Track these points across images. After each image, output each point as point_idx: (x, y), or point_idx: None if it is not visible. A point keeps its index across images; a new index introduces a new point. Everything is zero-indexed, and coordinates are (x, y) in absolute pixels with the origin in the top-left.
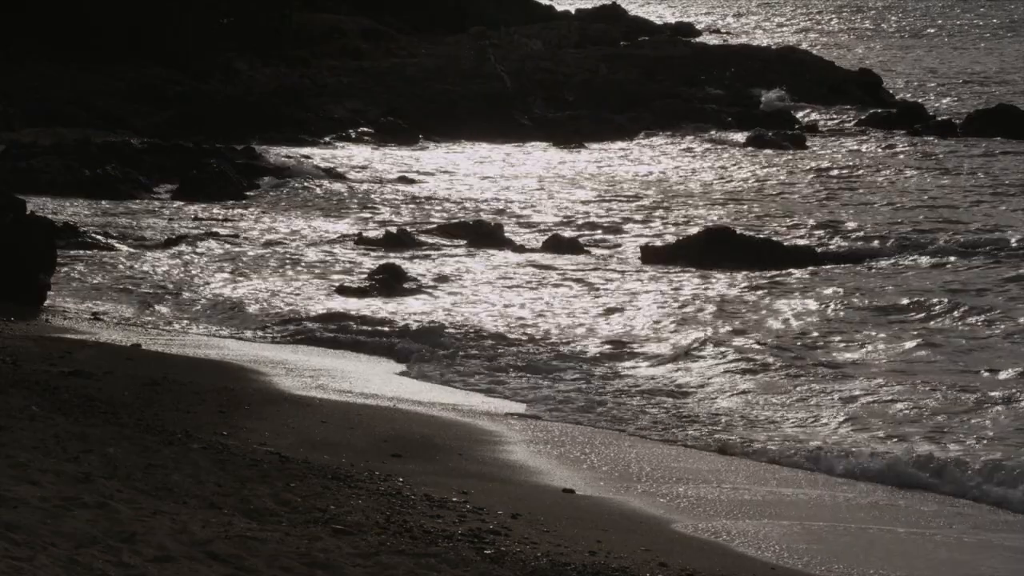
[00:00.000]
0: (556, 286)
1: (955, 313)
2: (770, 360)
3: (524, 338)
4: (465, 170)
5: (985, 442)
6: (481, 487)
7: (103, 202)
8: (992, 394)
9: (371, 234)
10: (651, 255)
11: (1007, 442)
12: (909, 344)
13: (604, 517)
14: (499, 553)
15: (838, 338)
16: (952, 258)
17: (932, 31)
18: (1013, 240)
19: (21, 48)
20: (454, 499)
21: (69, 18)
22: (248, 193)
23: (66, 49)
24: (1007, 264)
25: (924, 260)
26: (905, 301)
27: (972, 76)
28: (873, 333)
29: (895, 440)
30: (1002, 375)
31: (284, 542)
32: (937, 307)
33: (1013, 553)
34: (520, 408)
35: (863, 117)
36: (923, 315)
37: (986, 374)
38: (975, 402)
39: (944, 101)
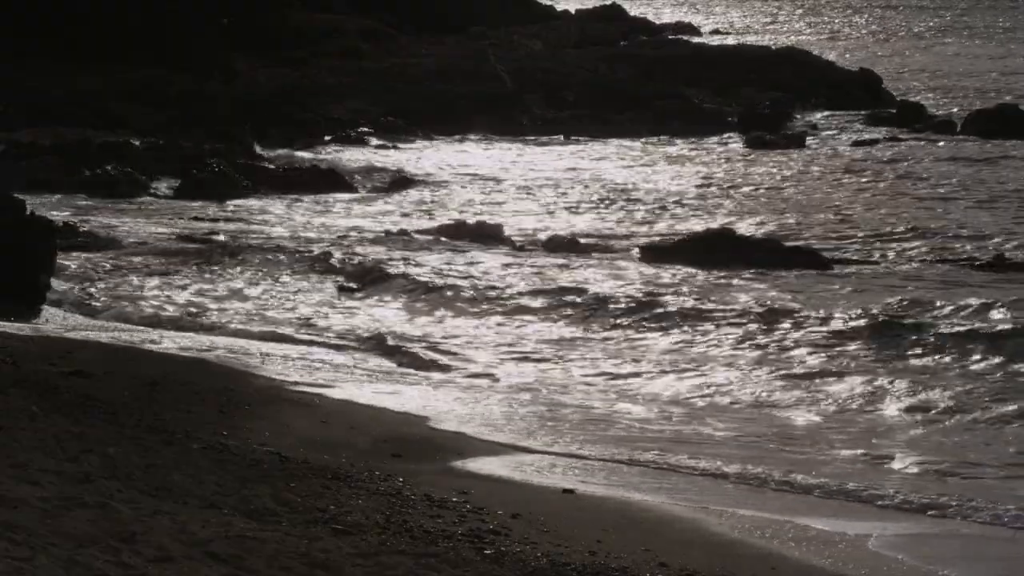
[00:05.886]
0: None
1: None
2: None
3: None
4: (465, 170)
5: None
6: (481, 487)
7: (103, 202)
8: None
9: (370, 233)
10: (650, 255)
11: None
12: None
13: (604, 517)
14: (499, 553)
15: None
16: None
17: (934, 31)
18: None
19: (21, 48)
20: (454, 499)
21: (69, 18)
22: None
23: (66, 49)
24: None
25: (919, 265)
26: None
27: (973, 76)
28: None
29: None
30: None
31: (284, 542)
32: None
33: None
34: None
35: (863, 117)
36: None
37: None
38: None
39: (944, 101)
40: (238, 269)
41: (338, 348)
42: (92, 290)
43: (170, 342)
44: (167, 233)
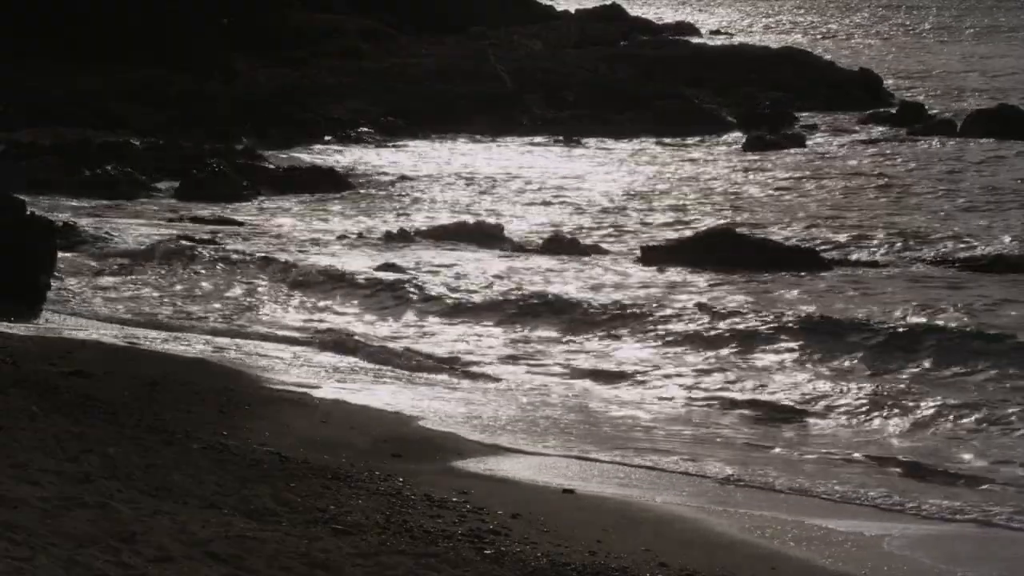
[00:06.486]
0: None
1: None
2: None
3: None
4: (465, 170)
5: None
6: (481, 487)
7: (103, 202)
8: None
9: (371, 234)
10: (651, 256)
11: None
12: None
13: (604, 517)
14: (499, 553)
15: None
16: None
17: (934, 31)
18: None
19: (21, 48)
20: (454, 499)
21: (69, 18)
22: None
23: (66, 49)
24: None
25: (919, 268)
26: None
27: (973, 76)
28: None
29: None
30: None
31: (284, 542)
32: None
33: None
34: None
35: (863, 117)
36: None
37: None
38: None
39: (944, 101)
40: (229, 271)
41: (336, 350)
42: (77, 289)
43: (164, 342)
44: (162, 234)
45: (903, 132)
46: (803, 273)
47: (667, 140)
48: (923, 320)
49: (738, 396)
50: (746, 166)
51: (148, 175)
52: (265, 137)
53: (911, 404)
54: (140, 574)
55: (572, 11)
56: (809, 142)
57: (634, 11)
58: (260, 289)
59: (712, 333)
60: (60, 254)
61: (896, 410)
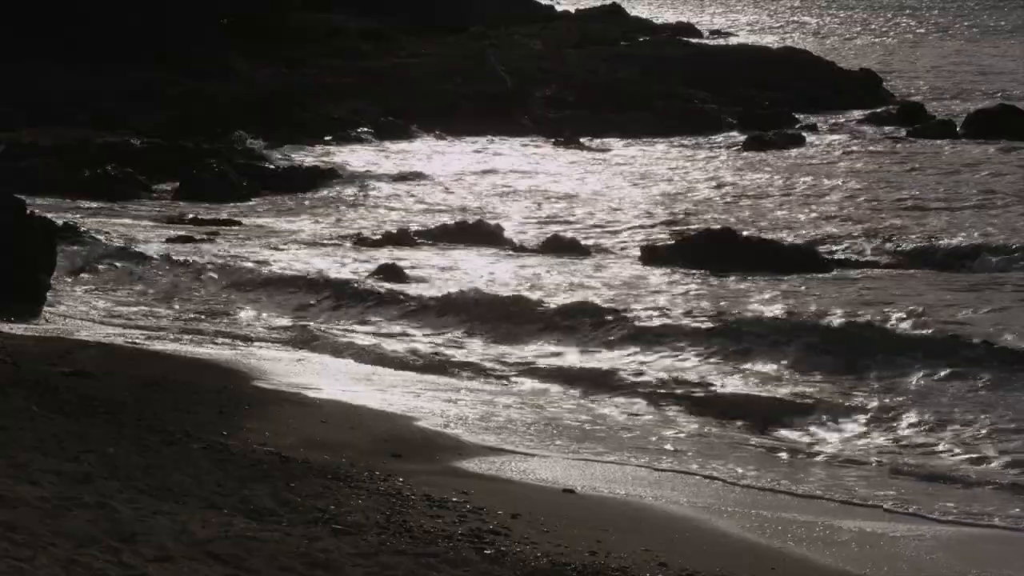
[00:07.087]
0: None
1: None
2: None
3: None
4: (466, 170)
5: None
6: (481, 487)
7: (103, 202)
8: None
9: (370, 234)
10: (651, 256)
11: None
12: None
13: (604, 517)
14: (499, 553)
15: None
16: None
17: (935, 31)
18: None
19: (21, 48)
20: (454, 499)
21: (69, 18)
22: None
23: (66, 49)
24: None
25: (918, 268)
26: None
27: (974, 76)
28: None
29: None
30: None
31: (284, 542)
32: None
33: None
34: None
35: (863, 117)
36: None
37: None
38: None
39: (945, 101)
40: (227, 272)
41: (334, 351)
42: (76, 289)
43: (163, 342)
44: (161, 235)
45: (903, 132)
46: (802, 273)
47: (667, 140)
48: (921, 320)
49: (737, 396)
50: (746, 166)
51: (148, 175)
52: (265, 137)
53: (912, 405)
54: (140, 574)
55: (572, 11)
56: (809, 142)
57: (634, 11)
58: (258, 290)
59: (711, 334)
60: (59, 254)
61: (898, 411)
